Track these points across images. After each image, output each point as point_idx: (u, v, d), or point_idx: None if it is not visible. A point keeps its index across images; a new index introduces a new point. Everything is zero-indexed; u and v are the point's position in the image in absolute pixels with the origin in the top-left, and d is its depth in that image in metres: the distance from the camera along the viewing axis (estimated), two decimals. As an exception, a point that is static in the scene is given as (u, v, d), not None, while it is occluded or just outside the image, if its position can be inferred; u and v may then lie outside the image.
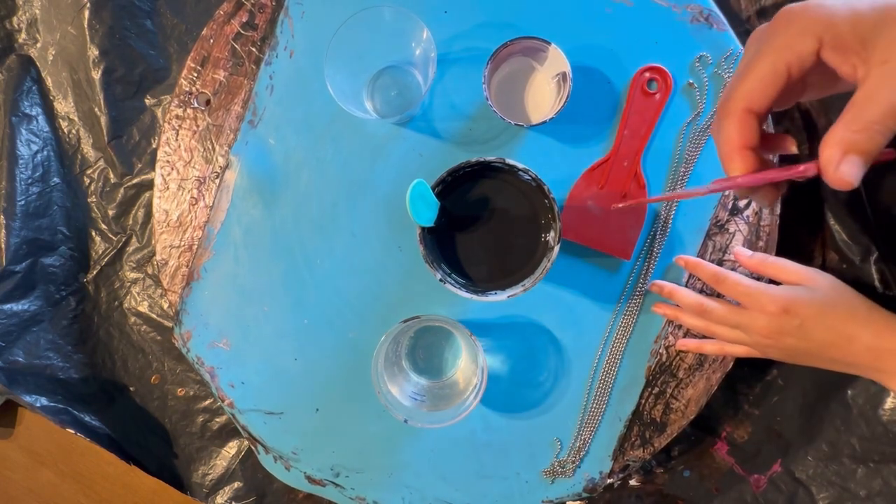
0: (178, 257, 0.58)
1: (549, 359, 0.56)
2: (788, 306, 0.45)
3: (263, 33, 0.57)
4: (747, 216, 0.54)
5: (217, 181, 0.58)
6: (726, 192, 0.54)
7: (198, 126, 0.58)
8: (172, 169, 0.59)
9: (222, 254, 0.58)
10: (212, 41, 0.58)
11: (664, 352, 0.55)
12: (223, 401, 0.58)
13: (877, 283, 0.52)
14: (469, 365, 0.54)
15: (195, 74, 0.58)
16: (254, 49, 0.58)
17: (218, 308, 0.58)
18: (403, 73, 0.56)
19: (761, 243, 0.54)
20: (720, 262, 0.55)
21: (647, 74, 0.54)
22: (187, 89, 0.58)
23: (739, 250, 0.52)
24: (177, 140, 0.58)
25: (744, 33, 0.61)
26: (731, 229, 0.55)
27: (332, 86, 0.49)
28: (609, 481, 0.56)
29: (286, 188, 0.57)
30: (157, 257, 0.59)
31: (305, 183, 0.57)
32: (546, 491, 0.56)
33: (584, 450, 0.56)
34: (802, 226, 0.58)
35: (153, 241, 0.60)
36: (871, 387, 0.54)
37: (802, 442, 0.57)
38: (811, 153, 0.61)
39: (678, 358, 0.55)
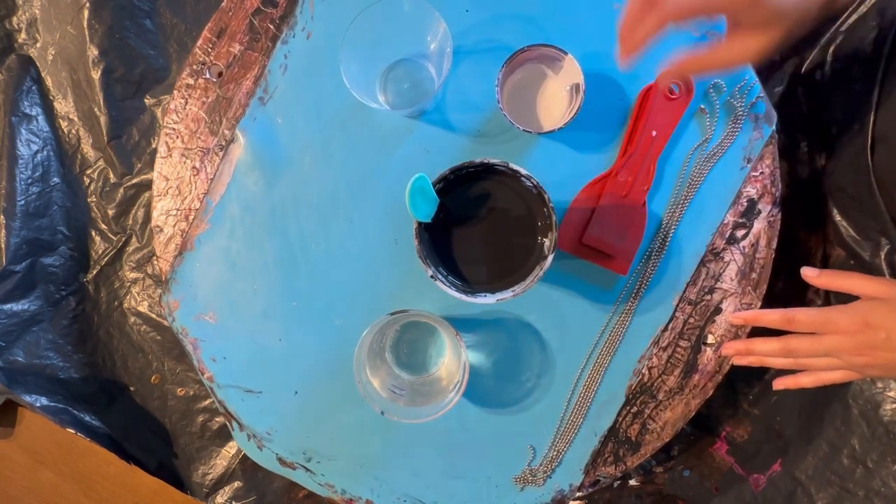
0: (174, 225, 0.58)
1: (533, 360, 0.56)
2: (869, 321, 0.44)
3: (283, 11, 0.57)
4: (743, 247, 0.55)
5: (221, 154, 0.58)
6: (725, 220, 0.54)
7: (207, 97, 0.58)
8: (177, 137, 0.58)
9: (218, 227, 0.58)
10: (230, 13, 0.58)
11: (646, 372, 0.55)
12: (203, 374, 0.58)
13: (888, 279, 0.51)
14: (452, 363, 0.54)
15: (210, 45, 0.58)
16: (271, 26, 0.57)
17: (208, 281, 0.58)
18: (418, 67, 0.56)
19: (754, 275, 0.55)
20: (711, 290, 0.55)
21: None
22: (201, 59, 0.58)
23: (807, 269, 0.50)
24: (185, 109, 0.58)
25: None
26: (727, 258, 0.55)
27: (345, 73, 0.49)
28: (578, 495, 0.56)
29: (289, 169, 0.57)
30: (153, 224, 0.58)
31: (309, 166, 0.57)
32: (514, 497, 0.56)
33: (556, 460, 0.56)
34: (801, 223, 0.57)
35: (151, 207, 0.59)
36: (872, 387, 0.53)
37: (802, 442, 0.56)
38: (810, 150, 0.60)
39: (659, 380, 0.55)
